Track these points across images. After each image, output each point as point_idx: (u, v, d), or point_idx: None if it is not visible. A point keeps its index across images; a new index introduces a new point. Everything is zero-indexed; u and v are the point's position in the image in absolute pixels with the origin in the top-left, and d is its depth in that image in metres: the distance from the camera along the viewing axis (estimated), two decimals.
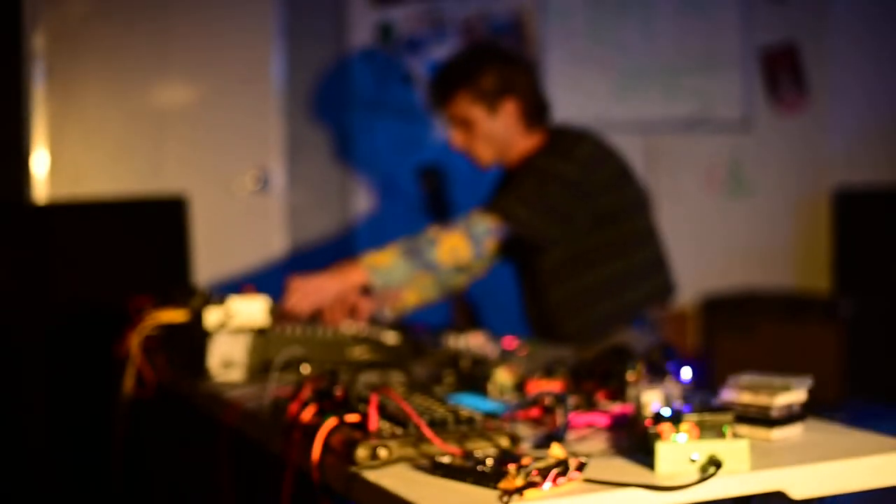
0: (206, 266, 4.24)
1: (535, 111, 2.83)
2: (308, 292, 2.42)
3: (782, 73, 5.63)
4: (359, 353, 2.03)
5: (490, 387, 1.80)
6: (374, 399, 1.39)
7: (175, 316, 2.11)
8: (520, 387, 1.80)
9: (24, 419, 3.34)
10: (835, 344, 4.22)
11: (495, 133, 2.79)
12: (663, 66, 5.37)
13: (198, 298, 2.08)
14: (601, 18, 5.25)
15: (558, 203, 2.66)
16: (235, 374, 1.95)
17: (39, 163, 4.32)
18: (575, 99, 5.21)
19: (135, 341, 2.12)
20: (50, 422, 3.31)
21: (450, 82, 2.79)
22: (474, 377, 1.85)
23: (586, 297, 2.80)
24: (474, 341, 2.19)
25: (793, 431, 1.51)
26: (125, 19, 4.47)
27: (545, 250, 2.75)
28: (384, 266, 2.50)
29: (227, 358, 1.94)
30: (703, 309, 4.69)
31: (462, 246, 2.57)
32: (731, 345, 4.55)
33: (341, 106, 4.86)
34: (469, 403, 1.63)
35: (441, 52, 4.94)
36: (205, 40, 4.60)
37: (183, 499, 2.30)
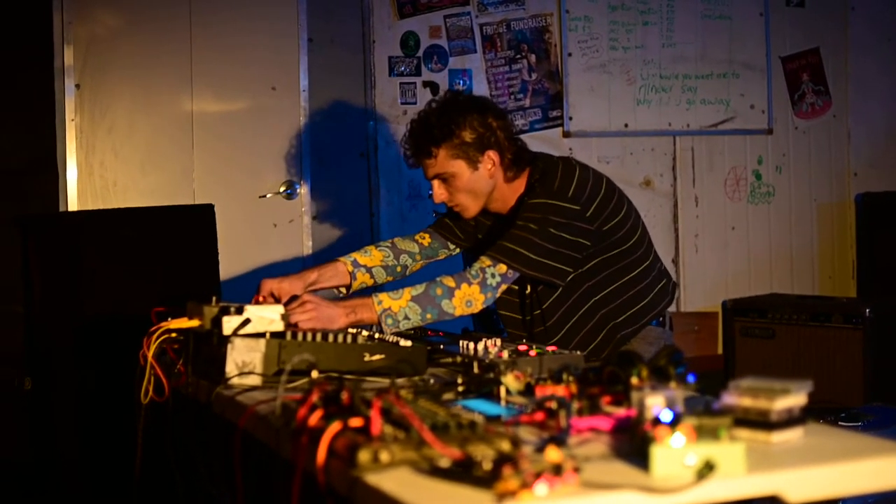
0: (232, 274, 4.29)
1: (515, 158, 2.81)
2: (320, 317, 2.45)
3: (805, 79, 5.60)
4: (373, 359, 2.06)
5: (499, 391, 1.82)
6: (377, 404, 1.43)
7: (191, 323, 2.16)
8: (529, 391, 1.82)
9: (55, 421, 3.40)
10: (858, 348, 4.19)
11: (479, 185, 2.79)
12: (686, 72, 5.36)
13: (217, 306, 2.14)
14: (624, 26, 5.25)
15: (564, 241, 2.68)
16: (252, 380, 1.99)
17: (70, 175, 4.38)
18: (598, 106, 5.22)
19: (152, 348, 2.18)
20: (80, 424, 3.37)
21: (430, 138, 2.76)
22: (485, 382, 1.87)
23: (601, 315, 2.82)
24: (489, 347, 2.22)
25: (793, 435, 1.51)
26: (153, 34, 4.53)
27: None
28: (398, 312, 2.53)
29: (244, 364, 1.98)
30: (727, 313, 4.67)
31: (476, 297, 2.63)
32: (753, 349, 4.53)
33: (366, 114, 4.90)
34: (478, 408, 1.66)
35: (465, 62, 4.97)
36: (232, 53, 4.65)
37: (202, 502, 2.35)
